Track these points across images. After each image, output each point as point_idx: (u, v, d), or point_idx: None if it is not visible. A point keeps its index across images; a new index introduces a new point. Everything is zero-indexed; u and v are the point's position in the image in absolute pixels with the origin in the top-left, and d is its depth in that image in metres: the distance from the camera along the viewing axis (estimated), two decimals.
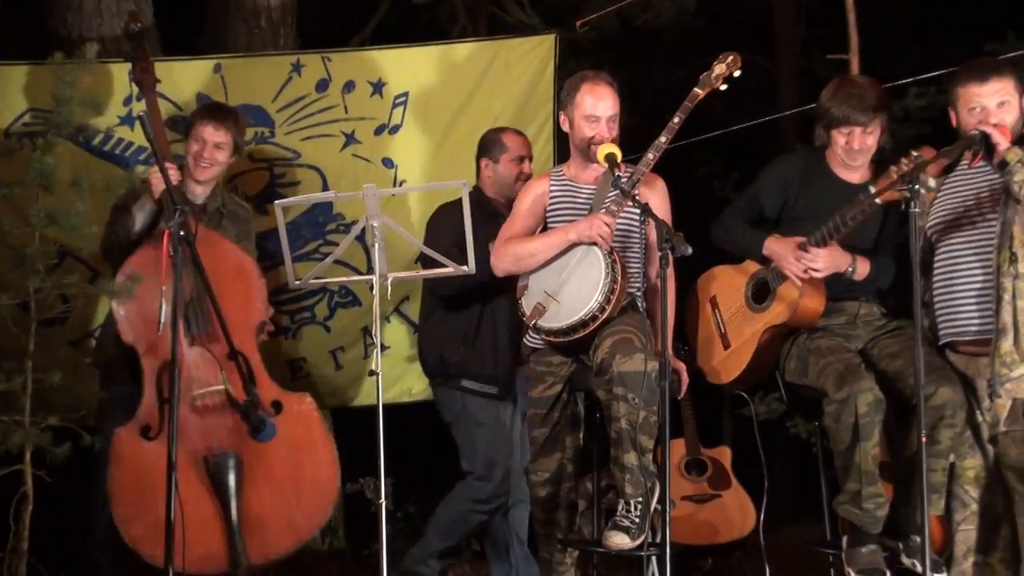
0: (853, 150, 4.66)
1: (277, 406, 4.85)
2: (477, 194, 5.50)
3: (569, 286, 4.66)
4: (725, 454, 6.52)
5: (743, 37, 10.18)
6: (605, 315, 4.54)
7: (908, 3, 9.70)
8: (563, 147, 6.16)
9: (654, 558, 4.43)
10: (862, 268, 4.65)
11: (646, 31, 9.33)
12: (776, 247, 4.69)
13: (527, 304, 4.76)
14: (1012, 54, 8.60)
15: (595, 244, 4.62)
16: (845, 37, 6.44)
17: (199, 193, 5.28)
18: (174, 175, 4.86)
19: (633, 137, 4.88)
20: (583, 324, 4.55)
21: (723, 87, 4.85)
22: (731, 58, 4.84)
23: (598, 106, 4.82)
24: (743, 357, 4.80)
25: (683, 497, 6.23)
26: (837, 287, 4.70)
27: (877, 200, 4.39)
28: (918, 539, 4.22)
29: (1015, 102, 4.48)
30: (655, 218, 4.34)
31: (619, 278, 4.56)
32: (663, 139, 4.72)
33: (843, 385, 4.40)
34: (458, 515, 5.52)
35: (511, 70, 6.33)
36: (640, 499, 4.46)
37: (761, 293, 4.80)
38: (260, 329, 5.07)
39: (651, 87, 9.78)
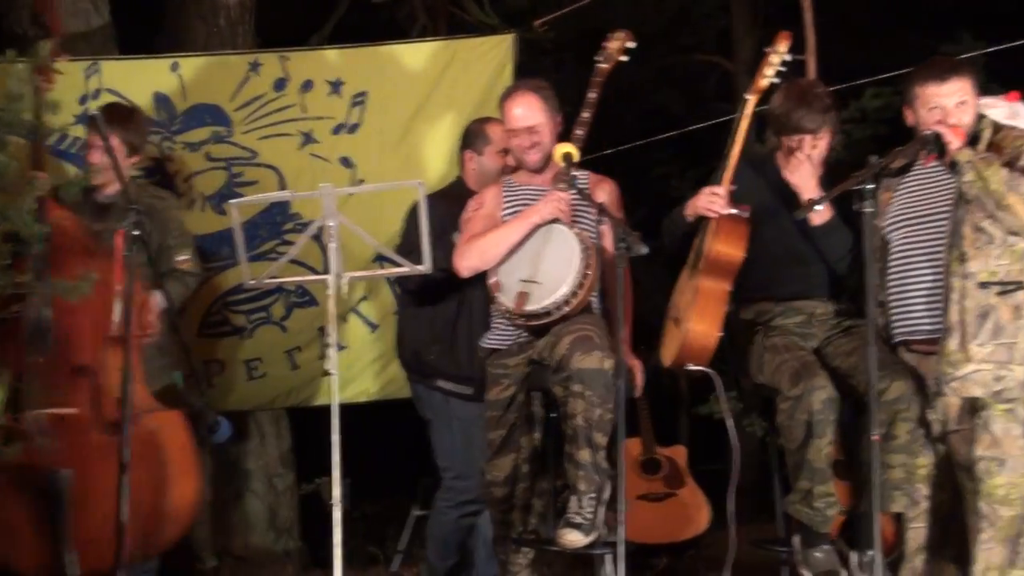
0: (799, 154, 4.67)
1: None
2: (459, 186, 5.48)
3: (545, 265, 4.67)
4: (680, 453, 6.54)
5: (702, 36, 10.27)
6: (590, 280, 4.57)
7: (865, 4, 9.75)
8: None
9: (608, 556, 4.45)
10: (826, 211, 4.62)
11: (605, 31, 9.34)
12: (692, 199, 4.73)
13: (507, 298, 4.74)
14: (968, 54, 8.74)
15: (556, 222, 4.65)
16: (802, 37, 6.48)
17: (105, 194, 5.23)
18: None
19: (593, 135, 4.88)
20: (573, 294, 4.56)
21: (624, 58, 5.00)
22: (622, 33, 4.96)
23: (515, 119, 4.90)
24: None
25: (638, 496, 6.25)
26: (795, 284, 4.73)
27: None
28: (872, 554, 4.24)
29: (972, 102, 4.50)
30: (612, 217, 4.37)
31: (589, 244, 4.59)
32: (586, 114, 4.81)
33: (797, 382, 4.42)
34: (449, 526, 5.45)
35: (470, 70, 6.33)
36: (592, 495, 4.47)
37: (698, 258, 4.80)
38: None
39: (609, 86, 9.78)
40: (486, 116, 5.64)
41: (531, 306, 4.64)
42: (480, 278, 4.93)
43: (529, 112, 4.88)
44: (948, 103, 4.46)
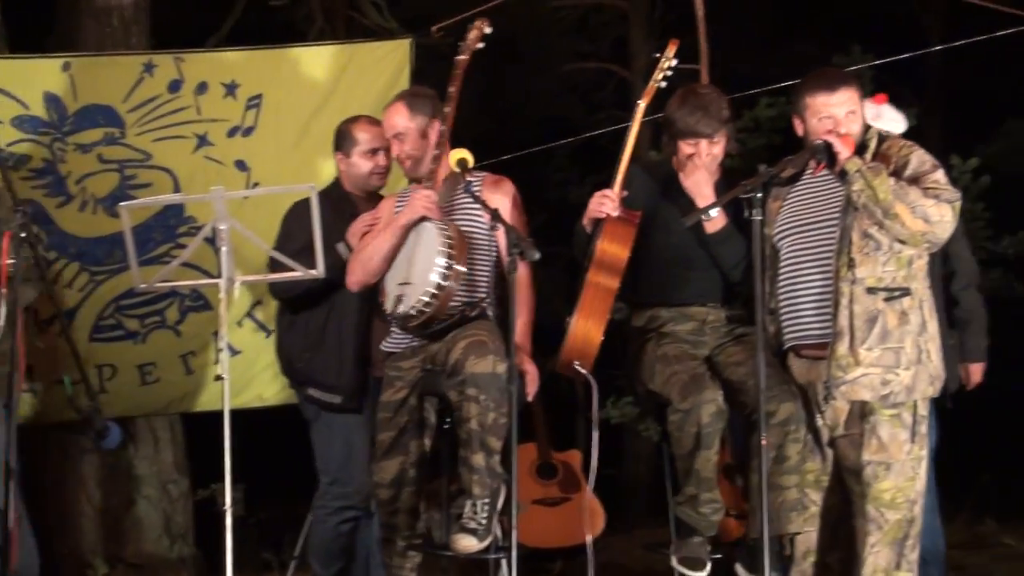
0: (696, 160, 4.72)
1: None
2: (337, 189, 5.44)
3: (416, 266, 4.67)
4: (576, 457, 6.58)
5: (599, 45, 10.36)
6: (455, 273, 4.55)
7: (758, 16, 9.90)
8: None
9: (503, 561, 4.46)
10: (721, 218, 4.68)
11: (504, 38, 9.39)
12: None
13: (389, 303, 4.75)
14: (858, 66, 8.91)
15: (426, 220, 4.67)
16: (696, 47, 6.56)
17: None
18: None
19: (491, 141, 4.91)
20: (439, 289, 4.54)
21: (481, 45, 5.05)
22: (480, 22, 5.02)
23: (384, 128, 4.99)
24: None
25: (533, 500, 6.27)
26: (687, 291, 4.77)
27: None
28: None
29: (859, 112, 4.58)
30: (504, 223, 4.37)
31: (456, 235, 4.59)
32: (447, 109, 4.85)
33: (687, 396, 4.46)
34: (329, 532, 5.37)
35: (367, 74, 6.32)
36: (487, 500, 4.48)
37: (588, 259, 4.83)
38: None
39: (510, 92, 9.84)
40: (354, 116, 5.56)
41: (402, 308, 4.65)
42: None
43: (395, 120, 4.92)
44: (838, 112, 4.52)
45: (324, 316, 5.26)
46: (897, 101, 4.92)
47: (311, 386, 5.30)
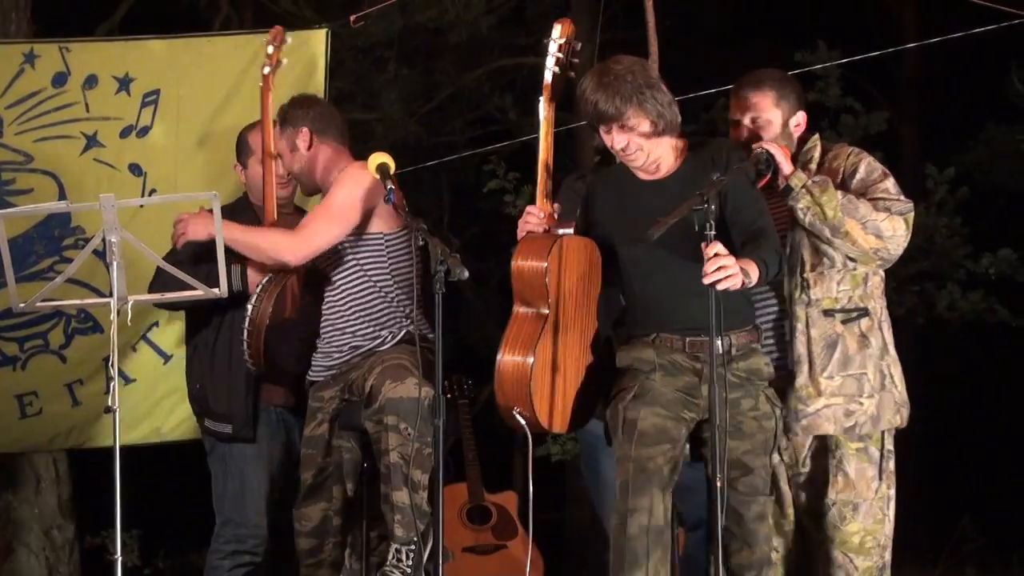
0: (621, 152, 4.44)
1: None
2: (242, 201, 5.46)
3: None
4: (511, 500, 6.60)
5: (538, 39, 10.41)
6: (270, 288, 4.75)
7: (714, 9, 10.00)
8: None
9: None
10: (751, 271, 4.18)
11: (431, 29, 9.43)
12: None
13: None
14: (823, 65, 9.03)
15: None
16: (646, 43, 6.60)
17: None
18: None
19: (417, 144, 4.90)
20: (254, 307, 4.74)
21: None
22: (275, 30, 5.17)
23: None
24: None
25: (464, 548, 6.28)
26: (676, 319, 4.44)
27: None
28: None
29: (772, 118, 4.58)
30: (430, 237, 4.35)
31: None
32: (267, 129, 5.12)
33: (625, 496, 4.27)
34: None
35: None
36: (412, 546, 4.48)
37: None
38: None
39: (438, 91, 9.88)
40: (252, 123, 5.56)
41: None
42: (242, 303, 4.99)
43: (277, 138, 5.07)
44: (743, 118, 4.58)
45: (214, 336, 5.25)
46: (868, 103, 4.97)
47: (206, 416, 5.30)
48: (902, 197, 4.50)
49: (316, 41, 6.40)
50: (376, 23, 7.00)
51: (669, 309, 4.39)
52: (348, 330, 4.87)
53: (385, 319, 4.84)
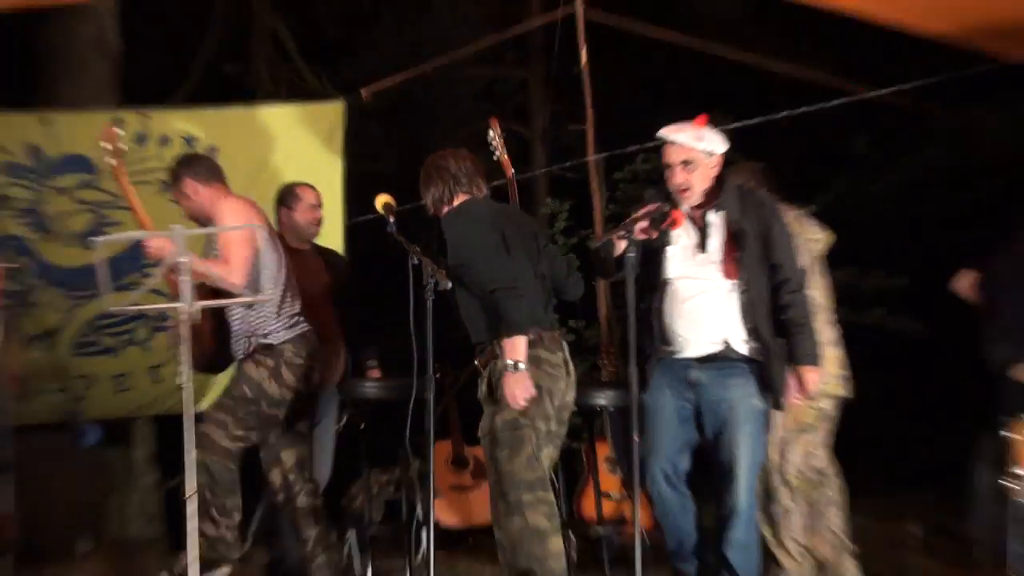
0: None
1: None
2: (281, 235, 5.39)
3: None
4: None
5: (505, 108, 10.48)
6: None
7: (639, 83, 10.06)
8: (352, 196, 6.25)
9: (424, 536, 4.45)
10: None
11: (425, 102, 9.47)
12: None
13: None
14: (721, 127, 9.06)
15: None
16: (584, 110, 6.68)
17: None
18: None
19: (413, 190, 4.86)
20: None
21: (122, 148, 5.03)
22: (108, 132, 5.01)
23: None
24: None
25: (449, 487, 6.35)
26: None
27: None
28: None
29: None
30: (423, 258, 4.27)
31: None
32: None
33: None
34: None
35: (306, 130, 6.39)
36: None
37: None
38: None
39: (429, 151, 9.89)
40: (297, 181, 5.58)
41: None
42: None
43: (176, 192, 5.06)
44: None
45: None
46: (748, 155, 4.97)
47: None
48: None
49: (335, 110, 6.48)
50: (379, 98, 7.04)
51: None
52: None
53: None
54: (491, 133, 4.98)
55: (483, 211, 4.51)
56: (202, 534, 4.38)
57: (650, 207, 4.28)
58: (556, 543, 4.23)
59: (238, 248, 4.65)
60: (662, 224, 4.23)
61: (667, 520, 4.43)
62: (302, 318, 4.86)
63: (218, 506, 4.66)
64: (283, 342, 4.77)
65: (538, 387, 4.28)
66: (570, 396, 4.49)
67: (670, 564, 4.46)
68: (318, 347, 4.90)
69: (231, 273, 4.60)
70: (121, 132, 5.08)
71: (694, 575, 4.41)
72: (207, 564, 4.46)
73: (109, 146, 5.03)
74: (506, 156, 4.98)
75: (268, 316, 4.78)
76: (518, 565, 4.21)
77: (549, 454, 4.34)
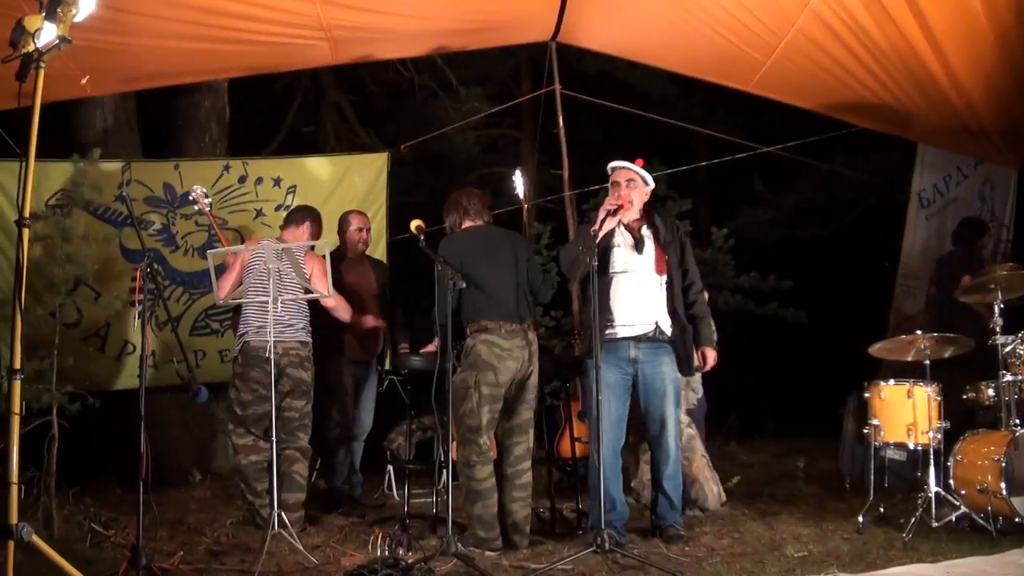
0: None
1: None
2: (339, 250, 5.42)
3: None
4: None
5: (504, 157, 10.45)
6: None
7: (602, 139, 10.03)
8: (393, 222, 6.24)
9: (444, 470, 4.26)
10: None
11: (450, 155, 9.45)
12: None
13: None
14: (656, 173, 9.00)
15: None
16: (560, 157, 6.63)
17: None
18: None
19: (437, 220, 4.76)
20: None
21: None
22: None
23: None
24: None
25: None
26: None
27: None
28: None
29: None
30: (444, 266, 4.14)
31: None
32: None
33: None
34: None
35: (360, 174, 6.37)
36: None
37: None
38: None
39: (448, 191, 9.83)
40: (349, 210, 5.56)
41: None
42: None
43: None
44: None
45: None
46: (682, 194, 4.90)
47: None
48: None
49: (381, 159, 6.44)
50: (414, 151, 7.03)
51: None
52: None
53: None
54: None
55: (464, 239, 4.37)
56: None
57: (608, 204, 4.18)
58: (481, 470, 4.15)
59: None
60: (615, 213, 4.16)
61: (609, 485, 4.15)
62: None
63: None
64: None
65: (485, 362, 4.15)
66: (525, 374, 4.24)
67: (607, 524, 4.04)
68: None
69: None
70: (205, 191, 5.19)
71: (621, 526, 4.23)
72: None
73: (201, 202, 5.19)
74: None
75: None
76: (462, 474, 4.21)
77: (491, 409, 4.19)
